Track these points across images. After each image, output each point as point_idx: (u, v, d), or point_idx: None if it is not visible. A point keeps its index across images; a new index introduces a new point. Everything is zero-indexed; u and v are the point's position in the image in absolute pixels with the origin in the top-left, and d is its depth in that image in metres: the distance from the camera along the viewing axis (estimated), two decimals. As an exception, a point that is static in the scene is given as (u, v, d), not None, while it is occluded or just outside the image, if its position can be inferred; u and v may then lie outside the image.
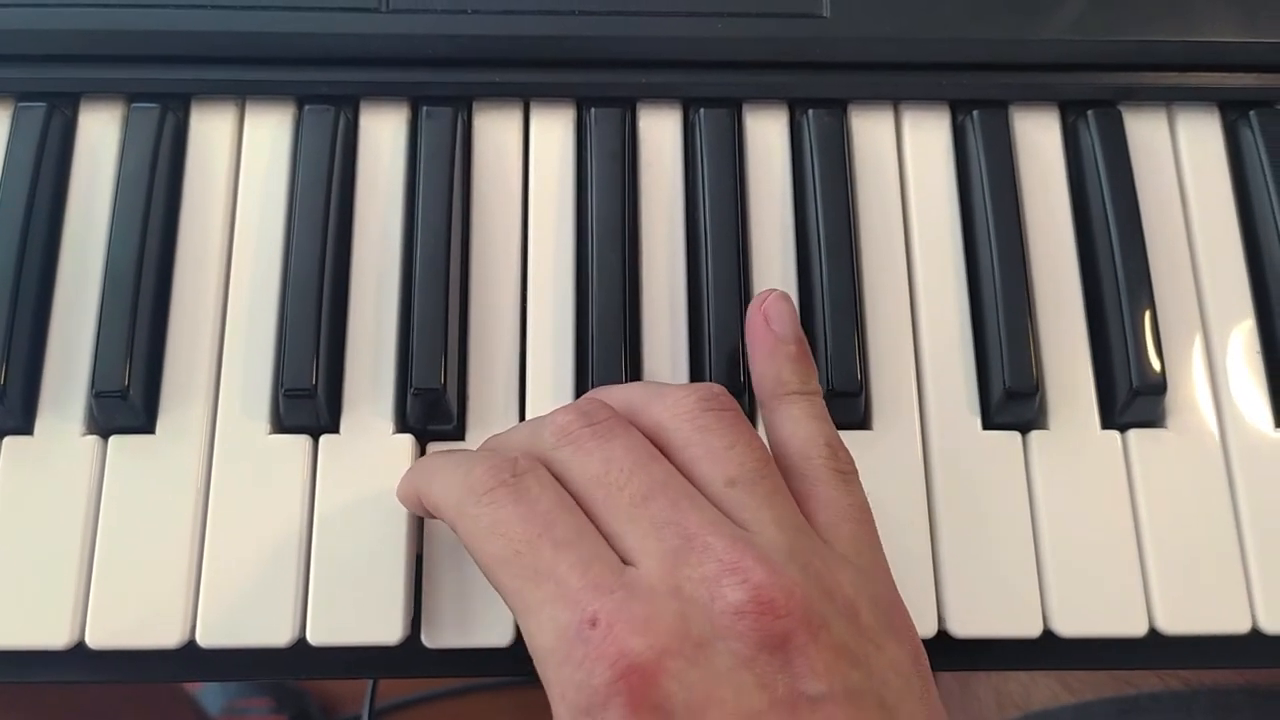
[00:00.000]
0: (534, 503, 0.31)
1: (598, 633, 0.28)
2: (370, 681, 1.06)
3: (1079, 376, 0.40)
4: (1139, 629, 0.37)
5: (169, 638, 0.36)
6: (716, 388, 0.33)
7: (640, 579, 0.30)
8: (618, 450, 0.32)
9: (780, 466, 0.34)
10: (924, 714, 0.31)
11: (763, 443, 0.33)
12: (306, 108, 0.42)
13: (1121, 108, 0.43)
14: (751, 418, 0.39)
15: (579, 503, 0.32)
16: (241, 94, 0.42)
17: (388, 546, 0.37)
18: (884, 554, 0.34)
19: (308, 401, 0.38)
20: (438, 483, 0.34)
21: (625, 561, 0.31)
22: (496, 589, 0.31)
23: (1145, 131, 0.43)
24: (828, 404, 0.37)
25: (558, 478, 0.32)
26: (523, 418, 0.39)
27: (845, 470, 0.34)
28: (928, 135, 0.43)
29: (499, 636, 0.37)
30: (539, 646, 0.30)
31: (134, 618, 0.36)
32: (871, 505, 0.35)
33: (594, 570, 0.30)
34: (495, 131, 0.43)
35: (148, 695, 0.79)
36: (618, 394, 0.35)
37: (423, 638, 0.37)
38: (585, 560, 0.30)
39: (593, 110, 0.42)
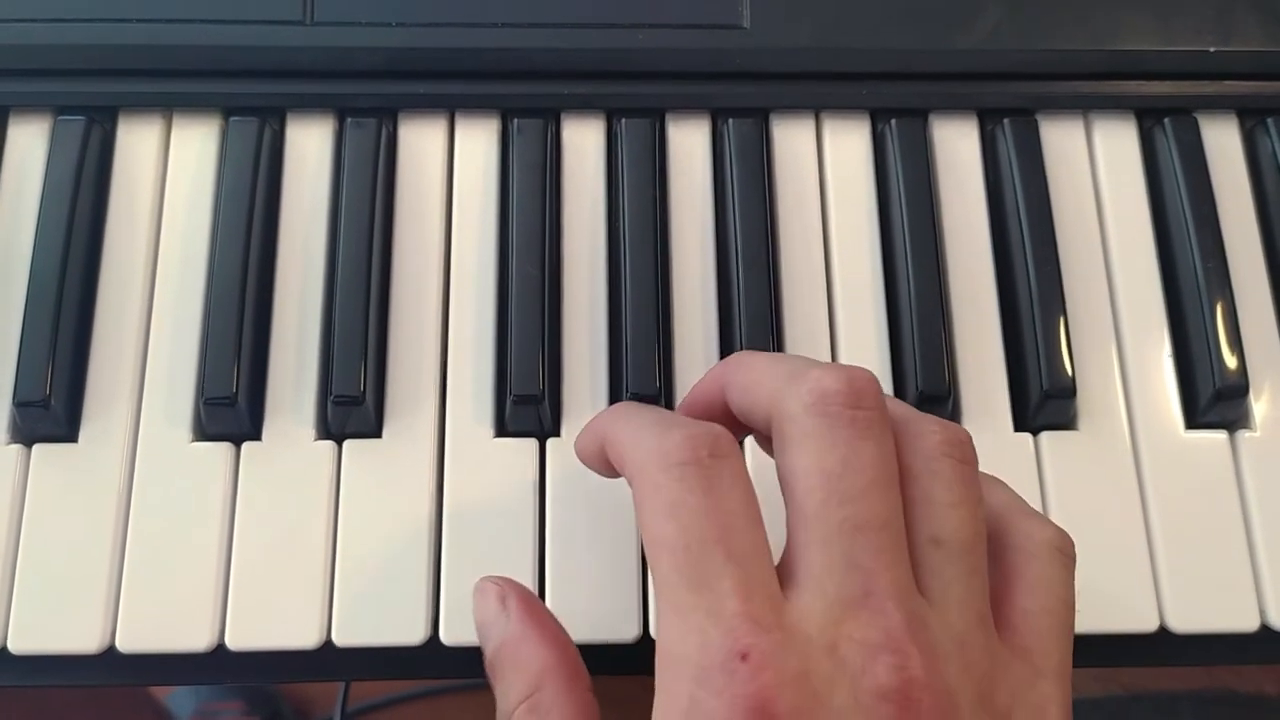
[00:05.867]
0: (722, 497, 0.28)
1: (746, 668, 0.27)
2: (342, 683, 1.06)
3: (993, 380, 0.41)
4: (1048, 629, 0.38)
5: (90, 643, 0.37)
6: (965, 434, 0.31)
7: (799, 624, 0.28)
8: (865, 457, 0.29)
9: (997, 531, 0.32)
10: None
11: (984, 512, 0.31)
12: (232, 119, 0.42)
13: (1039, 116, 0.44)
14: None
15: (785, 483, 0.30)
16: (168, 106, 0.43)
17: (307, 551, 0.38)
18: (1071, 658, 0.31)
19: (228, 410, 0.38)
20: (628, 433, 0.31)
21: (791, 573, 0.29)
22: (651, 566, 0.29)
23: (1062, 139, 0.44)
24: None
25: (782, 439, 0.30)
26: (442, 425, 0.40)
27: (1069, 557, 0.32)
28: (847, 144, 0.44)
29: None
30: (675, 651, 0.28)
31: (56, 623, 0.37)
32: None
33: (756, 599, 0.27)
34: (421, 142, 0.43)
35: (110, 699, 0.80)
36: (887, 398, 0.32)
37: (335, 640, 0.37)
38: (750, 584, 0.28)
39: (515, 121, 0.43)
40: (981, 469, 0.39)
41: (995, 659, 0.29)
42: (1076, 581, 0.38)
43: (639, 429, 0.31)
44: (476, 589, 0.34)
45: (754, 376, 0.32)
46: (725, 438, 0.30)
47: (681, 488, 0.28)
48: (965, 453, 0.31)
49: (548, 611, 0.34)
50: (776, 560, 0.29)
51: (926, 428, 0.31)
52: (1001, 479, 0.35)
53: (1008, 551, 0.32)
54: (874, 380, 0.30)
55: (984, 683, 0.29)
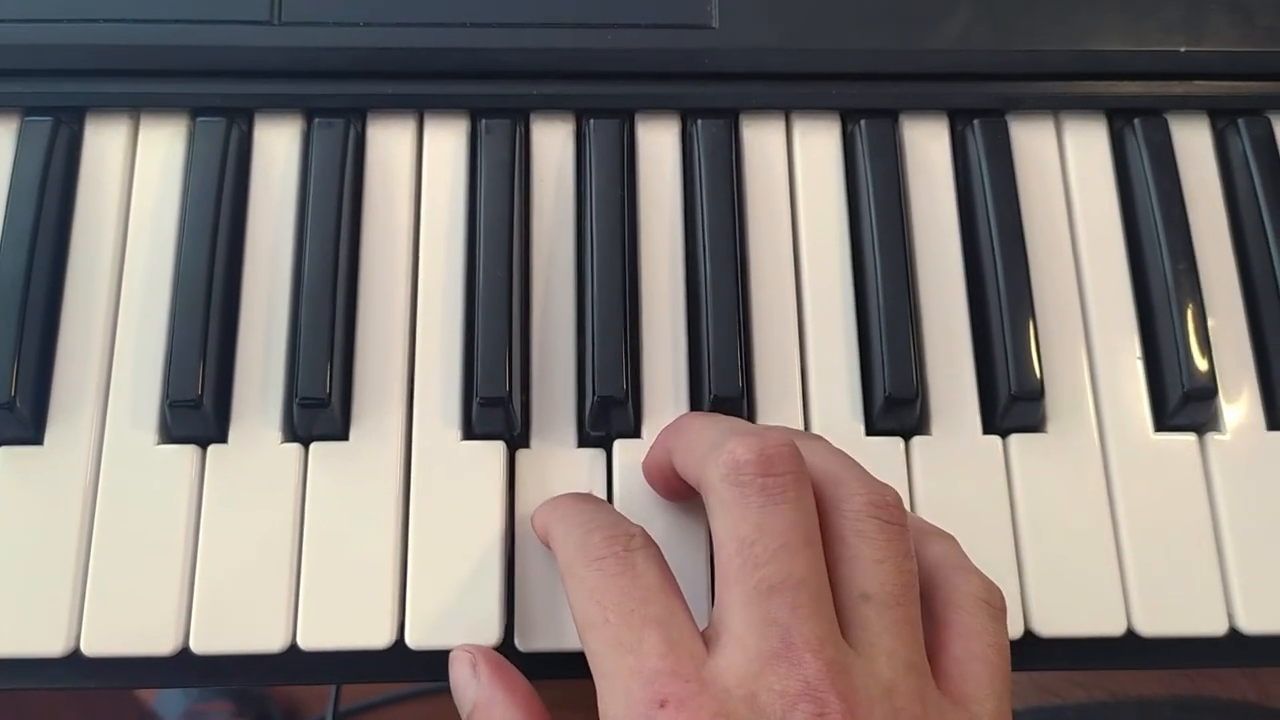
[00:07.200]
0: (637, 578, 0.32)
1: (664, 714, 0.29)
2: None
3: (962, 383, 0.41)
4: (1014, 632, 0.38)
5: (54, 646, 0.37)
6: (892, 496, 0.32)
7: (718, 676, 0.29)
8: (777, 521, 0.31)
9: (926, 584, 0.33)
10: None
11: (914, 566, 0.32)
12: (200, 120, 0.42)
13: (1009, 116, 0.44)
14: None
15: (714, 550, 0.32)
16: (135, 107, 0.43)
17: (272, 554, 0.38)
18: (1009, 704, 0.32)
19: (193, 412, 0.38)
20: (558, 532, 0.35)
21: (716, 635, 0.31)
22: (584, 649, 0.32)
23: (1033, 139, 0.44)
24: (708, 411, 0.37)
25: (708, 507, 0.32)
26: (409, 427, 0.40)
27: (997, 608, 0.33)
28: (818, 144, 0.44)
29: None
30: (607, 711, 0.30)
31: (20, 627, 0.37)
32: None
33: (675, 654, 0.30)
34: (389, 143, 0.43)
35: (97, 700, 0.80)
36: (819, 454, 0.34)
37: (300, 644, 0.37)
38: (670, 642, 0.30)
39: (484, 121, 0.43)
40: (949, 471, 0.39)
41: (929, 706, 0.30)
42: (1047, 583, 0.38)
43: (568, 530, 0.34)
44: (451, 657, 0.36)
45: (687, 443, 0.35)
46: (641, 535, 0.33)
47: (601, 576, 0.32)
48: (892, 514, 0.32)
49: (515, 672, 0.36)
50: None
51: (852, 490, 0.32)
52: (949, 534, 0.36)
53: (938, 605, 0.33)
54: (788, 446, 0.32)
55: None
